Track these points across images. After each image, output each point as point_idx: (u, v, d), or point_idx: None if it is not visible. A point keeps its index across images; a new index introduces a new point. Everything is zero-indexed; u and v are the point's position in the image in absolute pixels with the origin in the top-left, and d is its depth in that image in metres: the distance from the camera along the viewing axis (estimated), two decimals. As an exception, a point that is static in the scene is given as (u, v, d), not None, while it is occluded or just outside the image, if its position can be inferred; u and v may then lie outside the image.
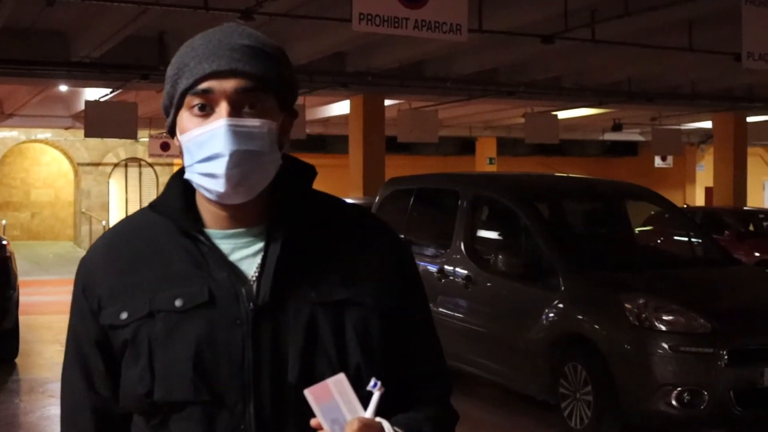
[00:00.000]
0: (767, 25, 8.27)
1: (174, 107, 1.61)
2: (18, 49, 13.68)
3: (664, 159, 29.99)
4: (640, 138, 30.32)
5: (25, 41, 13.86)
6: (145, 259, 1.64)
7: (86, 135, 17.57)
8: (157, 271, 1.62)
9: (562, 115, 21.56)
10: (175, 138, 1.64)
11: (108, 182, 29.37)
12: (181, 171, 1.65)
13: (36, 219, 31.24)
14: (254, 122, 1.55)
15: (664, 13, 10.99)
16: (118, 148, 28.91)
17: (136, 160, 29.59)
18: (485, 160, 30.67)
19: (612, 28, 11.97)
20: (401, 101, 19.65)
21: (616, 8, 10.86)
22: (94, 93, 18.01)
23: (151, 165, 29.32)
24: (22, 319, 10.10)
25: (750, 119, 21.91)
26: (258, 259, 1.61)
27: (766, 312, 7.01)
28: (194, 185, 1.60)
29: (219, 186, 1.54)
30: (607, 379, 6.58)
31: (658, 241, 15.05)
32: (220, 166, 1.52)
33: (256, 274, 1.60)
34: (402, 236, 1.82)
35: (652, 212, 16.60)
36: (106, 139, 24.30)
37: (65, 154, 29.50)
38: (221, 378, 1.56)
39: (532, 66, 16.66)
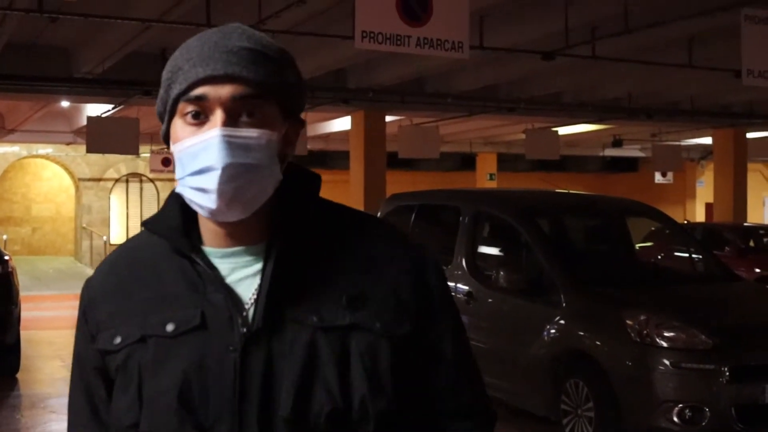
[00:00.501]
0: (767, 42, 8.31)
1: (167, 114, 1.49)
2: (21, 64, 13.73)
3: (664, 175, 30.02)
4: (641, 154, 30.38)
5: (28, 57, 13.92)
6: (142, 282, 1.53)
7: (88, 150, 17.62)
8: (151, 294, 1.51)
9: (563, 131, 21.60)
10: (170, 148, 1.52)
11: (109, 197, 29.43)
12: None
13: (37, 234, 31.27)
14: (251, 133, 1.42)
15: (664, 29, 11.04)
16: (119, 163, 28.98)
17: (137, 176, 29.66)
18: (486, 176, 30.69)
19: (612, 45, 12.02)
20: (402, 117, 19.70)
21: (617, 25, 10.91)
22: (96, 109, 18.07)
23: (152, 180, 29.38)
24: (23, 334, 10.10)
25: (750, 135, 21.96)
26: (257, 280, 1.47)
27: (767, 328, 7.02)
28: (186, 201, 1.48)
29: (210, 202, 1.42)
30: (609, 395, 6.58)
31: (659, 257, 15.06)
32: (211, 181, 1.40)
33: (254, 296, 1.46)
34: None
35: (653, 228, 16.63)
36: (107, 155, 24.37)
37: (66, 169, 29.55)
38: (210, 410, 1.43)
39: (533, 82, 16.71)
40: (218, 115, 1.41)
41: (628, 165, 34.61)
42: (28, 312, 11.76)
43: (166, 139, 1.53)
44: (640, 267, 9.44)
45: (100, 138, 16.53)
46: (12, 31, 11.62)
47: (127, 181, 29.73)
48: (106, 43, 12.61)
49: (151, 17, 10.46)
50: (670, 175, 29.86)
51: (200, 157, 1.41)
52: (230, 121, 1.41)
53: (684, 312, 6.94)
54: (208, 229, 1.52)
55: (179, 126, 1.46)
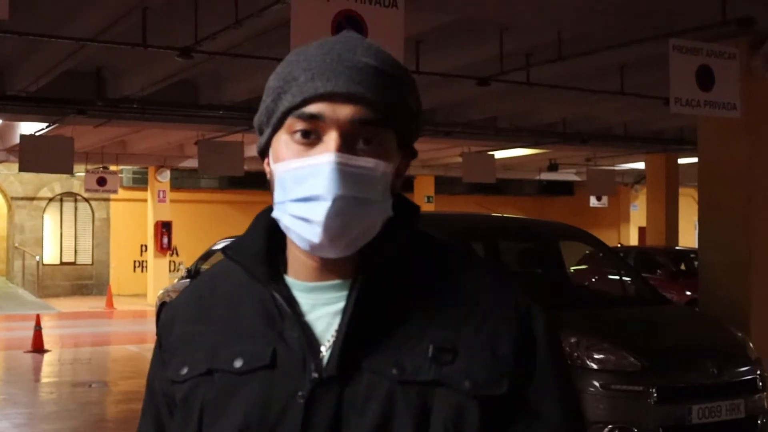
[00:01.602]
0: (693, 71, 8.52)
1: (271, 127, 1.33)
2: (-48, 82, 13.51)
3: (599, 199, 30.46)
4: (576, 178, 30.79)
5: (-40, 74, 13.70)
6: (219, 310, 1.40)
7: (21, 169, 17.35)
8: (225, 324, 1.38)
9: (499, 154, 21.82)
10: (265, 162, 1.37)
11: (43, 217, 28.94)
12: (270, 208, 1.38)
13: (-33, 254, 30.61)
14: (368, 162, 1.26)
15: (596, 57, 11.26)
16: (53, 182, 28.54)
17: (72, 195, 29.23)
18: (423, 199, 30.86)
19: (546, 72, 12.22)
20: (340, 139, 19.74)
21: (550, 52, 11.10)
22: (30, 127, 17.81)
23: (87, 200, 28.97)
24: (-50, 356, 9.90)
25: (681, 161, 22.40)
26: (338, 320, 1.31)
27: (694, 350, 7.17)
28: (282, 227, 1.33)
29: (314, 235, 1.26)
30: (540, 416, 6.65)
31: (592, 280, 15.28)
32: (318, 212, 1.24)
33: (333, 338, 1.30)
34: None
35: (587, 251, 16.87)
36: (41, 173, 24.00)
37: (-2, 187, 29.06)
38: None
39: (469, 107, 16.89)
40: (333, 138, 1.26)
41: (564, 189, 35.05)
42: (-45, 333, 11.59)
43: (263, 153, 1.38)
44: (571, 290, 9.58)
45: (33, 156, 16.28)
46: (-57, 48, 11.43)
47: (61, 201, 29.28)
48: (40, 61, 12.46)
49: (86, 36, 10.37)
50: (605, 199, 30.31)
51: (308, 182, 1.26)
52: (345, 147, 1.26)
53: (614, 334, 7.06)
54: (296, 259, 1.36)
55: (284, 142, 1.31)
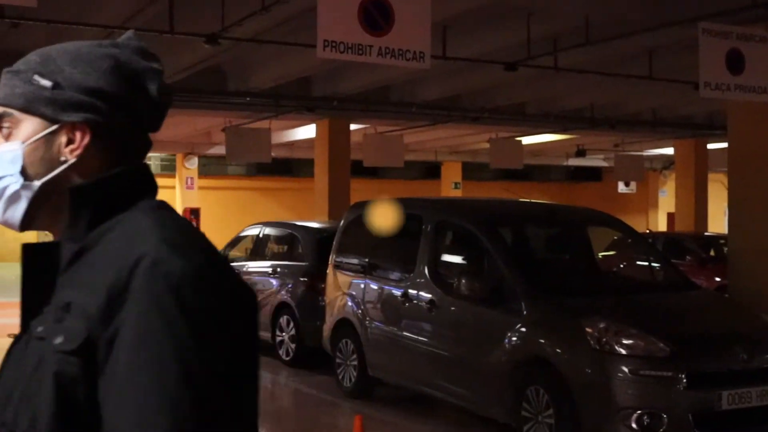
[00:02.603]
0: (723, 55, 8.44)
1: None
2: (-19, 70, 13.61)
3: (627, 184, 30.30)
4: (604, 164, 30.63)
5: (-11, 63, 13.80)
6: None
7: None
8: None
9: (527, 140, 21.74)
10: None
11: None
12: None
13: (-2, 241, 30.91)
14: None
15: (625, 42, 11.18)
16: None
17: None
18: (450, 185, 30.81)
19: (574, 56, 12.14)
20: (367, 126, 19.75)
21: (578, 37, 11.03)
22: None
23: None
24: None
25: (711, 146, 22.22)
26: None
27: (723, 336, 7.12)
28: None
29: None
30: (569, 402, 6.64)
31: (620, 266, 15.19)
32: None
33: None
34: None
35: (615, 237, 16.78)
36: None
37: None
38: None
39: (497, 92, 16.83)
40: None
41: (592, 174, 34.89)
42: (-12, 320, 11.67)
43: None
44: (599, 276, 9.54)
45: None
46: (-27, 37, 11.52)
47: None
48: (68, 50, 12.53)
49: (113, 23, 10.42)
50: (633, 184, 30.14)
51: None
52: None
53: (642, 320, 7.02)
54: None
55: None
